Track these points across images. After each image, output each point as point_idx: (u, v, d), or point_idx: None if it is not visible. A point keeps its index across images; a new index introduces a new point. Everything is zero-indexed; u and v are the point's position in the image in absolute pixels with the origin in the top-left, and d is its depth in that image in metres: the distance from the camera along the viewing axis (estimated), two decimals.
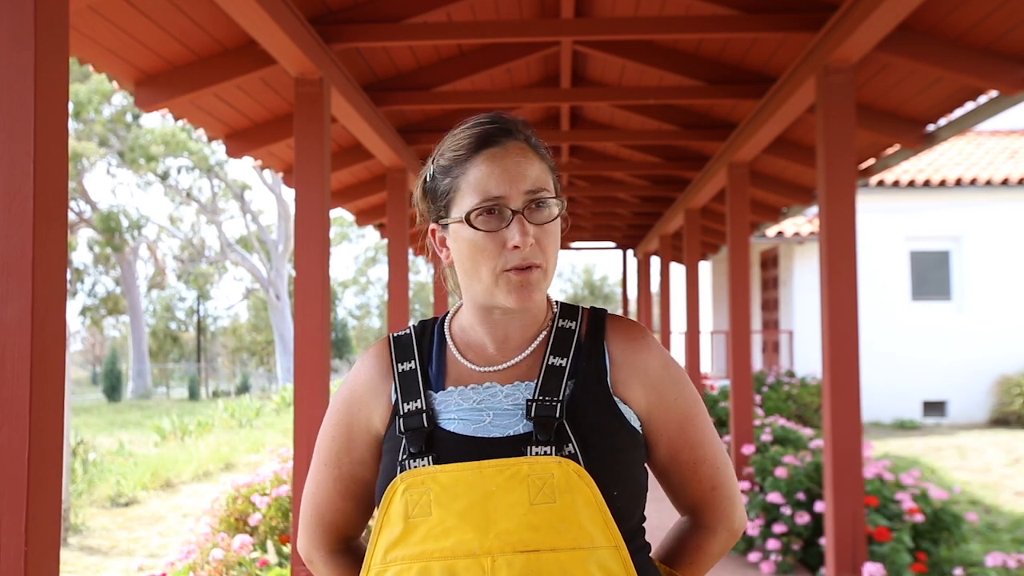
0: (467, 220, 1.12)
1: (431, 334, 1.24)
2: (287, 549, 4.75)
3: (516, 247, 1.11)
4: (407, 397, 1.17)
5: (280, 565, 4.61)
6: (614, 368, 1.18)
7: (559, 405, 1.12)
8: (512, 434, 1.11)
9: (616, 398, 1.16)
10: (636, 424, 1.18)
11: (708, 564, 1.28)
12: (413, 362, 1.20)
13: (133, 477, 9.24)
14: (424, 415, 1.14)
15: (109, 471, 9.39)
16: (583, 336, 1.20)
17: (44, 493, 1.81)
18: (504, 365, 1.18)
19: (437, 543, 1.06)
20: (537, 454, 1.09)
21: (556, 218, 1.15)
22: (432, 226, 1.21)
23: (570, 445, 1.10)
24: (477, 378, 1.18)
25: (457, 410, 1.14)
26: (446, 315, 1.27)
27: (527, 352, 1.18)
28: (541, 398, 1.12)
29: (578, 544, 1.05)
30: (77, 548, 6.85)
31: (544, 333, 1.20)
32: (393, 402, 1.18)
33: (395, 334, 1.25)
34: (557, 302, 1.24)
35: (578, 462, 1.08)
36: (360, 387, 1.22)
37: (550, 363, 1.16)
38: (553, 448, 1.09)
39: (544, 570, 1.03)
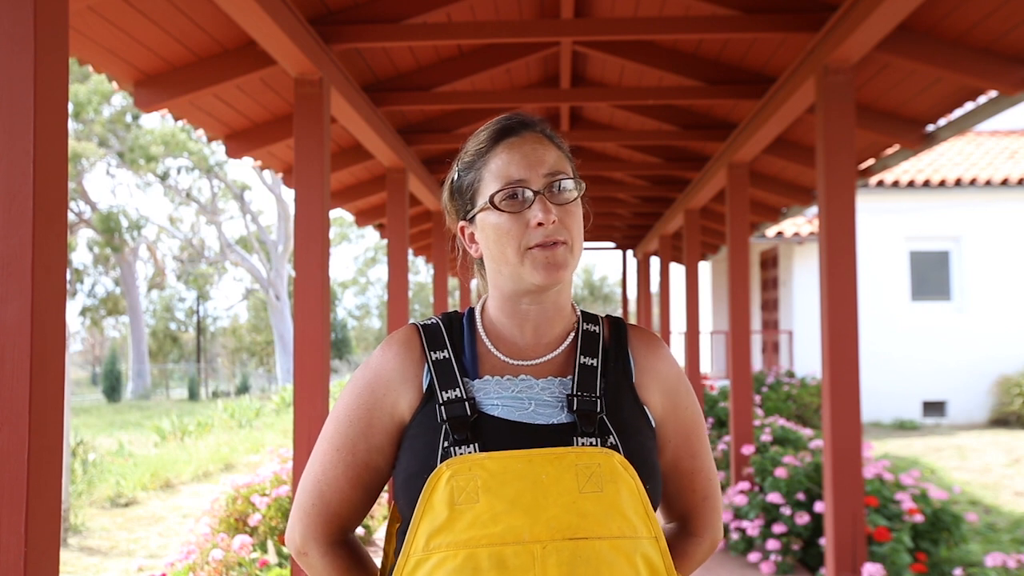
0: (491, 202, 1.16)
1: (460, 325, 1.25)
2: (287, 549, 4.75)
3: (540, 224, 1.14)
4: (445, 385, 1.17)
5: (280, 565, 4.61)
6: (637, 372, 1.23)
7: (599, 400, 1.16)
8: (557, 422, 1.14)
9: (640, 400, 1.21)
10: (654, 426, 1.23)
11: (691, 570, 1.32)
12: (447, 351, 1.21)
13: (133, 477, 9.24)
14: (466, 403, 1.15)
15: (109, 472, 9.39)
16: (607, 340, 1.24)
17: (44, 493, 1.81)
18: (537, 360, 1.21)
19: (485, 529, 1.05)
20: (583, 444, 1.11)
21: (576, 199, 1.20)
22: (461, 223, 1.25)
23: (611, 437, 1.13)
24: (511, 370, 1.20)
25: (499, 398, 1.16)
26: (472, 308, 1.28)
27: (559, 350, 1.22)
28: (580, 393, 1.16)
29: (623, 533, 1.07)
30: (77, 548, 6.85)
31: (572, 334, 1.24)
32: (425, 389, 1.18)
33: (422, 323, 1.26)
34: (580, 308, 1.28)
35: (620, 454, 1.12)
36: (387, 372, 1.21)
37: (583, 362, 1.20)
38: (598, 440, 1.12)
39: (592, 558, 1.05)
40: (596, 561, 1.05)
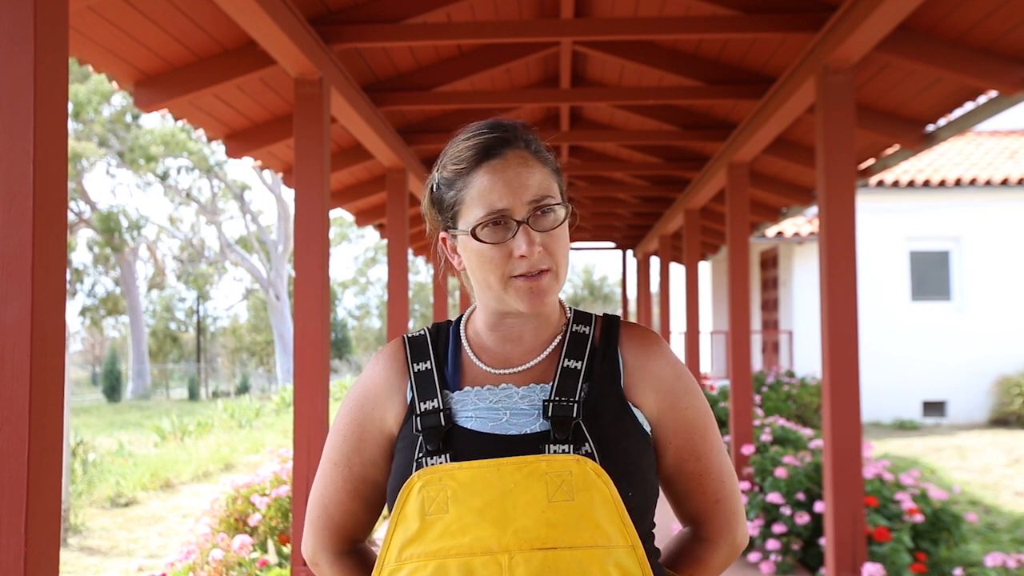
0: (473, 234, 1.14)
1: (446, 336, 1.25)
2: (287, 549, 4.75)
3: (523, 256, 1.12)
4: (424, 396, 1.17)
5: (280, 565, 4.61)
6: (627, 373, 1.19)
7: (575, 406, 1.13)
8: (529, 432, 1.12)
9: (629, 402, 1.18)
10: (648, 429, 1.19)
11: None
12: (429, 362, 1.21)
13: (133, 477, 9.25)
14: (441, 414, 1.15)
15: (109, 471, 9.39)
16: (597, 341, 1.21)
17: (44, 493, 1.81)
18: (519, 368, 1.19)
19: (454, 540, 1.05)
20: (555, 452, 1.09)
21: (562, 223, 1.16)
22: (443, 234, 1.23)
23: (587, 444, 1.11)
24: (492, 380, 1.19)
25: (474, 409, 1.15)
26: (460, 317, 1.28)
27: (542, 356, 1.20)
28: (557, 398, 1.14)
29: (595, 542, 1.06)
30: (77, 548, 6.85)
31: (559, 338, 1.21)
32: (409, 401, 1.19)
33: (409, 335, 1.26)
34: (571, 308, 1.26)
35: (595, 461, 1.09)
36: (374, 386, 1.22)
37: (565, 365, 1.17)
38: (571, 447, 1.10)
39: (562, 568, 1.04)
40: (566, 571, 1.03)
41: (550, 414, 1.12)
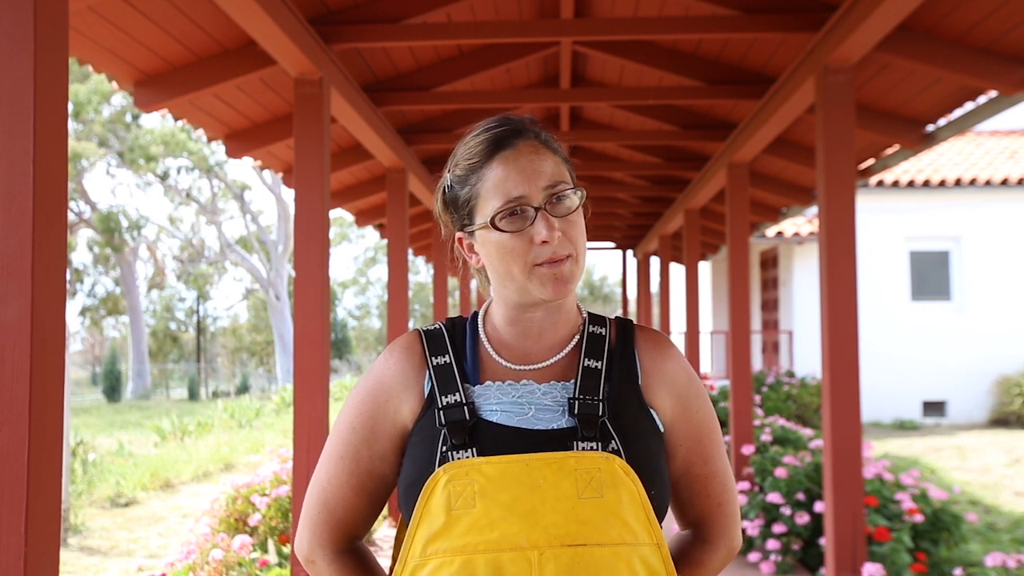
0: (492, 224, 1.13)
1: (462, 330, 1.24)
2: (287, 549, 4.75)
3: (545, 242, 1.12)
4: (445, 390, 1.16)
5: (280, 565, 4.61)
6: (644, 374, 1.20)
7: (601, 404, 1.14)
8: (556, 427, 1.12)
9: (647, 403, 1.19)
10: (662, 430, 1.20)
11: None
12: (448, 356, 1.20)
13: (133, 477, 9.25)
14: (465, 408, 1.14)
15: (109, 471, 9.39)
16: (613, 343, 1.22)
17: (44, 493, 1.81)
18: (540, 365, 1.19)
19: (482, 535, 1.05)
20: (583, 449, 1.10)
21: (578, 208, 1.17)
22: (458, 234, 1.22)
23: (613, 442, 1.11)
24: (513, 375, 1.18)
25: (498, 403, 1.15)
26: (476, 313, 1.27)
27: (562, 354, 1.20)
28: (582, 397, 1.14)
29: (623, 540, 1.06)
30: (77, 548, 6.85)
31: (577, 337, 1.22)
32: (426, 395, 1.18)
33: (424, 328, 1.25)
34: (586, 310, 1.27)
35: (622, 459, 1.10)
36: (389, 379, 1.20)
37: (586, 365, 1.18)
38: (599, 444, 1.10)
39: (591, 564, 1.04)
40: (595, 568, 1.03)
41: (576, 411, 1.12)
